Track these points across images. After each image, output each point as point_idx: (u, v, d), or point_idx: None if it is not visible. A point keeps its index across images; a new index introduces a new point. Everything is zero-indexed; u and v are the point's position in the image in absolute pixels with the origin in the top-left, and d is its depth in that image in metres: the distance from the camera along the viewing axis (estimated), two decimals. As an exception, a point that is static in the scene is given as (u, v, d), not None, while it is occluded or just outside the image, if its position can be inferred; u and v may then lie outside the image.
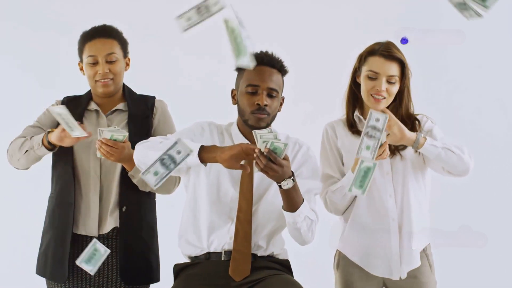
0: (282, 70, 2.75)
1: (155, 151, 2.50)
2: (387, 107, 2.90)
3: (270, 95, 2.69)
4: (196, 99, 4.41)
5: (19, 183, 4.25)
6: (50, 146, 2.87)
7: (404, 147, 2.88)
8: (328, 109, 3.16)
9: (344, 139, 2.93)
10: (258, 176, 2.69)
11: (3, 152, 3.02)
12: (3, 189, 4.50)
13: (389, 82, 2.84)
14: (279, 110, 2.77)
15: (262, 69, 2.69)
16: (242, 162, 2.53)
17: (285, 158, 2.49)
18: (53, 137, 2.84)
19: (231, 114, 2.84)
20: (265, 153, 2.45)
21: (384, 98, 2.85)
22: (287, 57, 2.79)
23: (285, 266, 2.78)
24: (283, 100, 2.79)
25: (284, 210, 2.61)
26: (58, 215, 2.93)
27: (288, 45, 3.56)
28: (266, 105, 2.66)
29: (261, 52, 2.73)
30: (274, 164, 2.46)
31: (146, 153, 2.60)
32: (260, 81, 2.68)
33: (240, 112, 2.73)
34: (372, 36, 3.00)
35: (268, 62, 2.70)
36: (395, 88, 2.86)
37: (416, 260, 2.88)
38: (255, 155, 2.46)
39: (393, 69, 2.84)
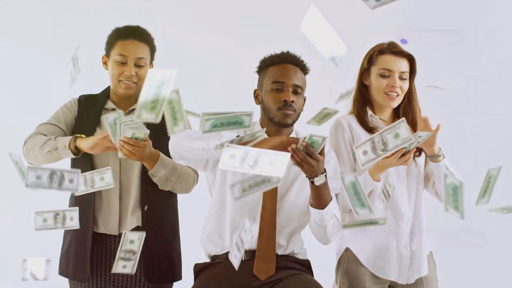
0: (304, 69, 2.79)
1: (190, 139, 2.55)
2: (398, 107, 2.96)
3: (295, 92, 2.72)
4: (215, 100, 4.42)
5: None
6: (76, 151, 2.84)
7: (420, 154, 2.93)
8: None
9: (362, 138, 2.92)
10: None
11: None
12: (23, 189, 4.46)
13: (401, 78, 2.90)
14: (301, 110, 2.78)
15: (287, 66, 2.73)
16: None
17: (321, 153, 2.50)
18: (86, 145, 2.80)
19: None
20: (301, 147, 2.46)
21: (398, 95, 2.90)
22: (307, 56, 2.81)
23: (305, 266, 2.79)
24: (304, 100, 2.81)
25: (312, 207, 2.62)
26: (78, 214, 2.91)
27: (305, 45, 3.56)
28: (292, 102, 2.68)
29: (283, 52, 2.77)
30: (311, 158, 2.47)
31: (181, 142, 2.61)
32: (286, 77, 2.71)
33: (265, 111, 2.74)
34: (383, 35, 3.02)
35: (292, 60, 2.75)
36: (406, 85, 2.92)
37: (424, 268, 2.92)
38: (290, 149, 2.46)
39: (404, 65, 2.91)
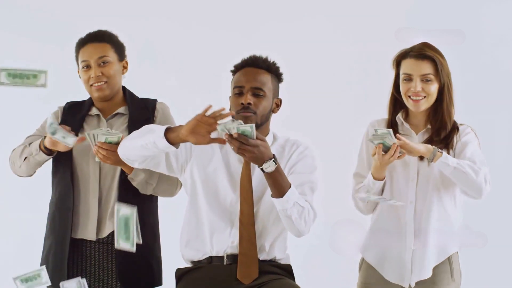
0: (271, 70, 2.79)
1: (130, 139, 2.66)
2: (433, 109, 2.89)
3: (255, 94, 2.73)
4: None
5: (23, 188, 4.26)
6: (47, 151, 2.88)
7: None
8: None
9: None
10: (256, 178, 2.72)
11: (5, 160, 3.04)
12: (7, 195, 4.52)
13: (424, 81, 2.84)
14: (274, 112, 2.80)
15: (247, 70, 2.76)
16: (213, 136, 2.57)
17: (260, 139, 2.54)
18: (47, 143, 2.85)
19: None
20: (235, 137, 2.51)
21: (424, 97, 2.84)
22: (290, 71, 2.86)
23: (287, 271, 2.78)
24: (280, 101, 2.82)
25: (273, 197, 2.63)
26: (58, 220, 2.94)
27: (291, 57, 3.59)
28: (249, 104, 2.70)
29: (249, 56, 2.80)
30: (247, 146, 2.51)
31: (125, 144, 2.69)
32: (244, 81, 2.74)
33: (233, 116, 2.75)
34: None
35: (252, 63, 2.77)
36: (433, 87, 2.84)
37: (427, 271, 2.84)
38: (225, 138, 2.53)
39: (426, 67, 2.84)
